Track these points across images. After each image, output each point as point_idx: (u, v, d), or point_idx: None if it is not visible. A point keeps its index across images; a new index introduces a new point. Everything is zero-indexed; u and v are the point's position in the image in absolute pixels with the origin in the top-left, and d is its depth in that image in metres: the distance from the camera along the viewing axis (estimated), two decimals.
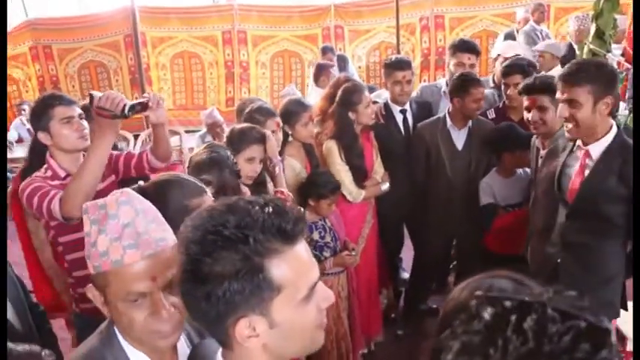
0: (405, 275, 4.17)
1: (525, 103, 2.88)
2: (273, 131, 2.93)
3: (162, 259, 1.11)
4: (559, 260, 2.60)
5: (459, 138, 3.43)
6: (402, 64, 3.60)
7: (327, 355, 3.18)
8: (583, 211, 2.40)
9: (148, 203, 1.17)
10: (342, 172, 3.24)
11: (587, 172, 2.43)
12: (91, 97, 2.06)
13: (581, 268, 2.49)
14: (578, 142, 2.46)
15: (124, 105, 2.03)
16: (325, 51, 6.88)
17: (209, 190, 1.74)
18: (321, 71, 5.13)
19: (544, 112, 2.81)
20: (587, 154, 2.41)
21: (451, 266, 4.02)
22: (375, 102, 3.76)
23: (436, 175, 3.48)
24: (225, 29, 8.02)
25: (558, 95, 2.34)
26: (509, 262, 2.92)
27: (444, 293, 3.88)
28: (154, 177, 1.81)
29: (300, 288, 0.93)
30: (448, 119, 3.42)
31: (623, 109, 3.85)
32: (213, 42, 8.09)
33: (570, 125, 2.33)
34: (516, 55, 4.01)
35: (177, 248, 0.96)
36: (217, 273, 0.88)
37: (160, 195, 1.61)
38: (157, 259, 1.11)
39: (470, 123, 3.41)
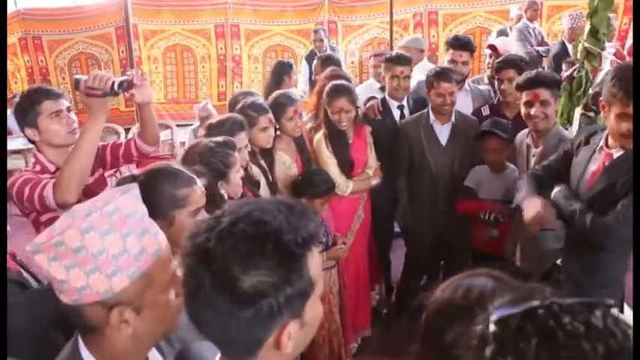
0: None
1: (525, 97, 2.84)
2: (265, 127, 2.92)
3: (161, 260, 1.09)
4: (559, 261, 2.60)
5: (443, 133, 3.43)
6: (402, 60, 3.62)
7: (318, 350, 3.19)
8: (593, 209, 2.33)
9: (115, 216, 1.04)
10: (330, 164, 3.29)
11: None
12: (77, 80, 2.07)
13: (584, 269, 2.46)
14: (602, 143, 2.37)
15: (113, 82, 2.05)
16: (316, 30, 6.92)
17: (200, 182, 1.74)
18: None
19: (546, 106, 2.80)
20: (610, 157, 2.32)
21: (442, 262, 4.04)
22: (372, 97, 3.77)
23: (420, 171, 3.48)
24: (218, 23, 7.97)
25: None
26: (496, 259, 2.95)
27: (435, 289, 3.89)
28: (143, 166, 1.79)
29: (321, 280, 0.91)
30: (431, 114, 3.42)
31: None
32: (205, 36, 8.04)
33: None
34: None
35: (189, 260, 0.87)
36: (264, 287, 0.82)
37: (150, 183, 1.62)
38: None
39: (453, 118, 3.40)
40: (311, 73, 6.32)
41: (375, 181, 3.44)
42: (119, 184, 1.70)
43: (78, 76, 2.09)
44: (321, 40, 6.72)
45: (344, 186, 3.29)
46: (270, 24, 8.00)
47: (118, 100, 7.86)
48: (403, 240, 3.95)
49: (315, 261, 0.89)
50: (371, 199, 3.59)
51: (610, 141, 2.32)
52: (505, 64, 3.49)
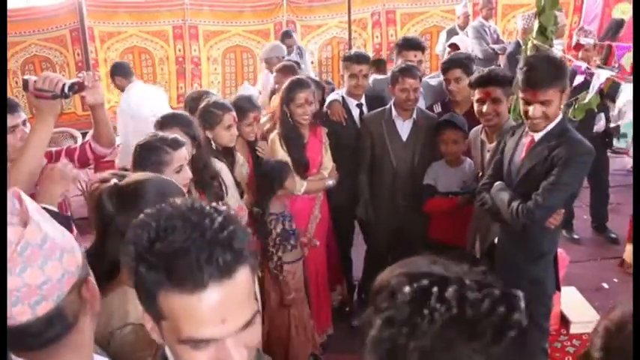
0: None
1: (478, 95, 2.94)
2: (229, 125, 2.93)
3: None
4: (496, 239, 2.73)
5: (404, 129, 3.48)
6: (360, 59, 3.66)
7: (294, 340, 3.24)
8: (521, 192, 2.52)
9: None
10: None
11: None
12: (26, 82, 2.03)
13: (515, 245, 2.63)
14: (527, 129, 2.56)
15: (63, 84, 2.02)
16: (289, 34, 6.88)
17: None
18: None
19: (497, 104, 2.90)
20: (533, 140, 2.53)
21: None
22: (334, 100, 3.77)
23: (381, 166, 3.53)
24: (176, 24, 7.89)
25: (528, 97, 2.42)
26: (452, 253, 3.03)
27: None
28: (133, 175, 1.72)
29: (181, 331, 0.91)
30: (393, 110, 3.47)
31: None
32: (163, 37, 7.94)
33: (541, 121, 2.45)
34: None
35: None
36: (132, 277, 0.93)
37: (139, 192, 1.57)
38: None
39: (414, 114, 3.46)
40: None
41: (330, 182, 3.47)
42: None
43: (27, 77, 2.05)
44: (291, 46, 6.69)
45: (298, 185, 3.31)
46: (229, 25, 7.95)
47: (74, 103, 7.71)
48: (363, 236, 3.99)
49: (172, 304, 0.89)
50: (332, 198, 3.62)
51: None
52: (451, 64, 3.57)
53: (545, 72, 2.37)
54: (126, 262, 0.92)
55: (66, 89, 2.03)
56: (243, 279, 0.92)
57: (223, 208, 0.96)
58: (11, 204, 1.01)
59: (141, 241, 0.88)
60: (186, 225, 0.88)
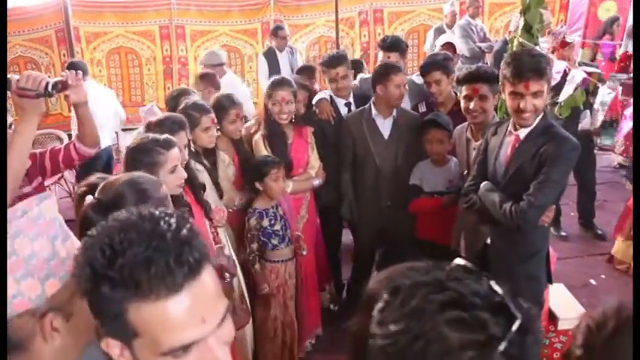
0: None
1: (465, 92, 2.95)
2: (207, 127, 2.92)
3: None
4: (488, 240, 2.73)
5: (385, 127, 3.48)
6: (333, 62, 3.65)
7: (270, 342, 3.21)
8: (510, 190, 2.52)
9: (40, 220, 1.03)
10: None
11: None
12: (9, 80, 1.99)
13: (508, 244, 2.63)
14: (510, 128, 2.58)
15: (47, 83, 1.99)
16: (281, 27, 6.82)
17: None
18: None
19: (484, 101, 2.91)
20: (518, 139, 2.55)
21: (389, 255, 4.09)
22: (323, 99, 3.78)
23: (363, 165, 3.53)
24: (162, 24, 7.85)
25: (520, 89, 2.41)
26: (440, 252, 3.03)
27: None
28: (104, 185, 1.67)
29: (161, 343, 0.87)
30: (373, 109, 3.47)
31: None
32: (150, 37, 7.89)
33: (531, 114, 2.47)
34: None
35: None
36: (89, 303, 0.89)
37: (119, 197, 1.55)
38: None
39: (394, 112, 3.46)
40: (270, 69, 6.28)
41: (316, 182, 3.47)
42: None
43: (9, 76, 2.02)
44: (284, 38, 6.66)
45: (284, 185, 3.30)
46: (216, 24, 7.92)
47: (60, 104, 7.64)
48: (351, 234, 3.99)
49: (145, 315, 0.86)
50: (318, 198, 3.61)
51: (516, 124, 2.56)
52: (429, 66, 3.55)
53: (533, 62, 2.39)
54: (81, 287, 0.87)
55: (49, 88, 2.00)
56: (209, 274, 0.91)
57: (170, 210, 0.94)
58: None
59: (96, 261, 0.84)
60: (141, 234, 0.86)
